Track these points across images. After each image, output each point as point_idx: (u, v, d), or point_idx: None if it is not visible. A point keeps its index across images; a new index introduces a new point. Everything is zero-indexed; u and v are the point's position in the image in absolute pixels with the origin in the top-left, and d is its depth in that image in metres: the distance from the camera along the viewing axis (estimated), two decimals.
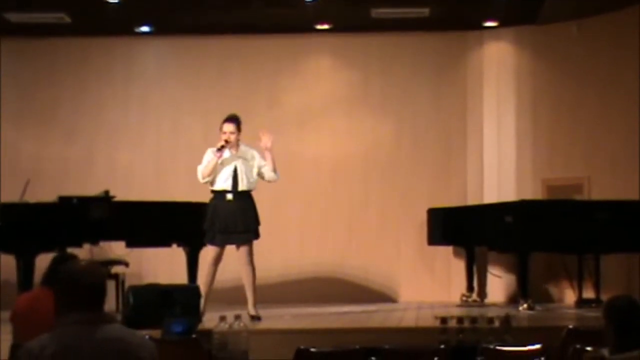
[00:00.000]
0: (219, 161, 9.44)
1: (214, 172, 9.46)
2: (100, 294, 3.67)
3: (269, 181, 9.70)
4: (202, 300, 9.30)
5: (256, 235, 9.60)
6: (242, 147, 9.58)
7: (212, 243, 9.58)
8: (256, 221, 9.59)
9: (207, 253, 9.71)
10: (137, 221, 10.30)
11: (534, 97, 12.76)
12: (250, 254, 9.52)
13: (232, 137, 9.45)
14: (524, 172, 12.72)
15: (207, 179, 9.52)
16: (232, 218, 9.45)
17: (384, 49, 13.10)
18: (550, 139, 12.59)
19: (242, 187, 9.49)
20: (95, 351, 3.54)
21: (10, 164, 12.31)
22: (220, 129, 9.55)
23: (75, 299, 3.60)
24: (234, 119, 9.56)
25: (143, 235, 10.33)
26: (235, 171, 9.48)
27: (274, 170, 9.58)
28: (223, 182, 9.50)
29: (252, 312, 9.49)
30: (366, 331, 8.93)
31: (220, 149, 9.42)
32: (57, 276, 3.74)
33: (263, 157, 9.57)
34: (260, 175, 9.64)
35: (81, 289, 3.61)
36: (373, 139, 13.03)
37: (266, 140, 9.51)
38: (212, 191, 9.60)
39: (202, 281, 9.63)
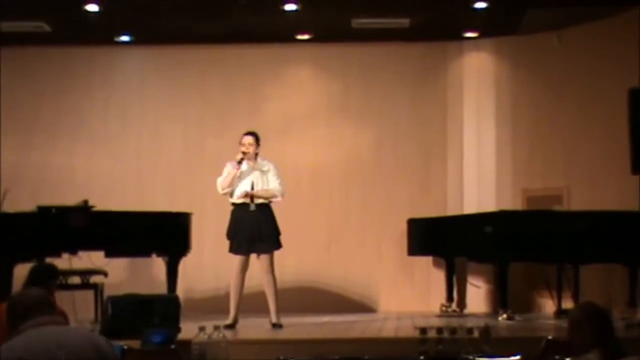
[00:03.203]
0: (237, 173, 9.78)
1: (233, 184, 9.83)
2: (41, 303, 4.13)
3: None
4: (234, 309, 9.79)
5: (278, 245, 9.92)
6: (259, 160, 9.95)
7: (237, 252, 9.86)
8: (277, 231, 9.92)
9: (233, 263, 9.90)
10: (116, 231, 10.26)
11: (514, 107, 12.80)
12: (271, 263, 9.86)
13: (251, 149, 9.84)
14: (504, 182, 12.76)
15: (226, 190, 9.90)
16: (255, 227, 9.79)
17: (364, 59, 13.12)
18: (530, 149, 12.63)
19: (257, 199, 9.83)
20: (59, 343, 3.83)
21: None
22: (240, 142, 9.90)
23: (22, 311, 4.07)
24: (253, 133, 9.98)
25: (122, 245, 10.30)
26: (252, 185, 9.83)
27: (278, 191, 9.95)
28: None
29: (274, 320, 9.82)
30: (346, 341, 8.91)
31: (240, 162, 9.80)
32: (8, 301, 4.21)
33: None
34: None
35: (22, 302, 4.12)
36: (353, 148, 13.04)
37: None
38: (233, 203, 9.92)
39: (231, 290, 9.90)
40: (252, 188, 9.82)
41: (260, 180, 9.86)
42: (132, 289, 9.92)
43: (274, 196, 9.94)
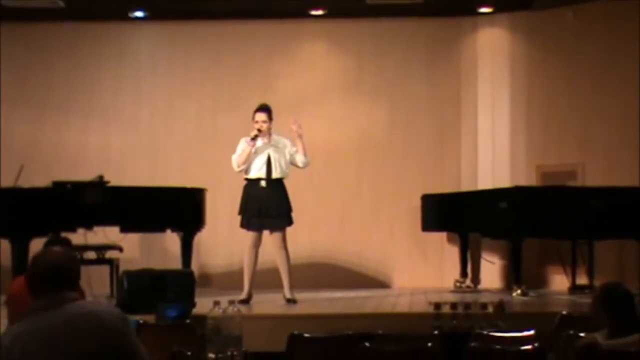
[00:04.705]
0: (253, 150, 9.72)
1: (248, 160, 9.75)
2: (61, 275, 3.78)
3: (302, 167, 9.99)
4: (248, 284, 9.79)
5: (289, 222, 9.93)
6: (274, 136, 9.88)
7: (248, 228, 9.85)
8: (289, 207, 9.91)
9: (246, 238, 9.90)
10: (131, 206, 10.31)
11: (529, 83, 12.76)
12: (284, 239, 9.86)
13: (265, 126, 9.76)
14: (518, 158, 12.72)
15: (241, 167, 9.82)
16: (266, 204, 9.77)
17: (378, 35, 13.08)
18: (545, 125, 12.59)
19: (275, 174, 9.81)
20: (67, 329, 3.64)
21: (4, 148, 12.27)
22: (253, 118, 9.84)
23: (38, 283, 3.76)
24: (265, 109, 9.87)
25: (137, 220, 10.34)
26: (269, 159, 9.78)
27: (305, 155, 9.89)
28: (257, 170, 9.82)
29: (288, 295, 9.84)
30: (360, 317, 8.94)
31: (254, 138, 9.72)
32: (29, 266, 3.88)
33: (294, 144, 9.87)
34: (293, 162, 9.94)
35: (41, 273, 3.77)
36: (367, 125, 13.02)
37: (297, 128, 9.82)
38: (246, 179, 9.88)
39: (245, 266, 9.90)
40: (270, 163, 9.76)
41: (277, 156, 9.80)
42: (146, 265, 9.97)
43: (303, 161, 9.88)
